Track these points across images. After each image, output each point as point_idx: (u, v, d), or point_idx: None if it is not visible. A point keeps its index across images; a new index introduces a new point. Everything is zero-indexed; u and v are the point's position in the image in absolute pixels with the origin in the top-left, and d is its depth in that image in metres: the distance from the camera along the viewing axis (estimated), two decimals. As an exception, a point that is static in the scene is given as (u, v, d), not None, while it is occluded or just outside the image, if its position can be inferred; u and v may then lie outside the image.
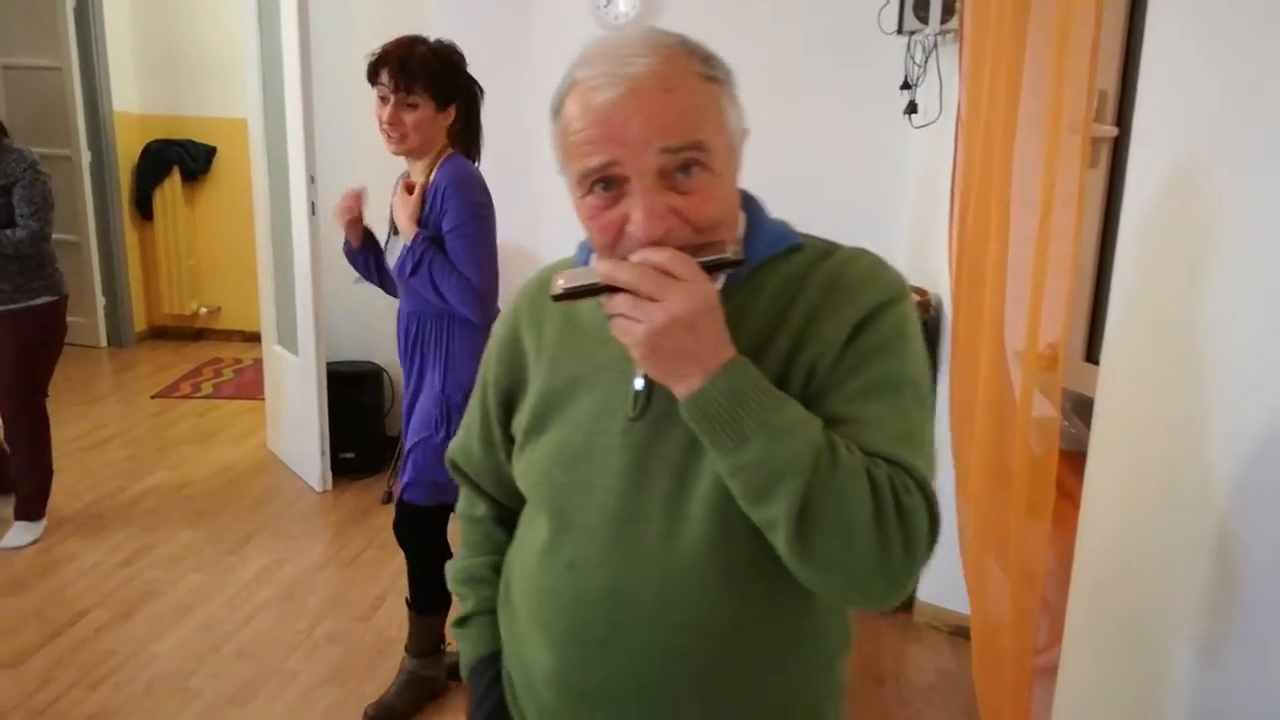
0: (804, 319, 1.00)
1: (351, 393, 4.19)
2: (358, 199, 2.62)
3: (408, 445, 2.55)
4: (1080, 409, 2.06)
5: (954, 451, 2.47)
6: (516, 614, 1.17)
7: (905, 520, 0.91)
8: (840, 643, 1.16)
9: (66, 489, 3.96)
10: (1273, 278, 1.07)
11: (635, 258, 0.93)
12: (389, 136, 2.44)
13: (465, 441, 1.28)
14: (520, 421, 1.15)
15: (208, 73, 6.00)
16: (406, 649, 2.70)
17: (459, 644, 1.28)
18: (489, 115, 4.11)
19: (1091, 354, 2.15)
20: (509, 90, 4.02)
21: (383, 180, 4.11)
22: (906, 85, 3.26)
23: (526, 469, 1.14)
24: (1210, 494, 1.18)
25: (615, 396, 1.07)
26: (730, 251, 0.96)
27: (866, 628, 3.14)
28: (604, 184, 0.95)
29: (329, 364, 4.01)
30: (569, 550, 1.09)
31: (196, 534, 3.66)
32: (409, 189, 2.52)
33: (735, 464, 0.92)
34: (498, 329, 1.22)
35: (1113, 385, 1.46)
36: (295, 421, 4.18)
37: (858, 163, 3.85)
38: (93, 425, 4.77)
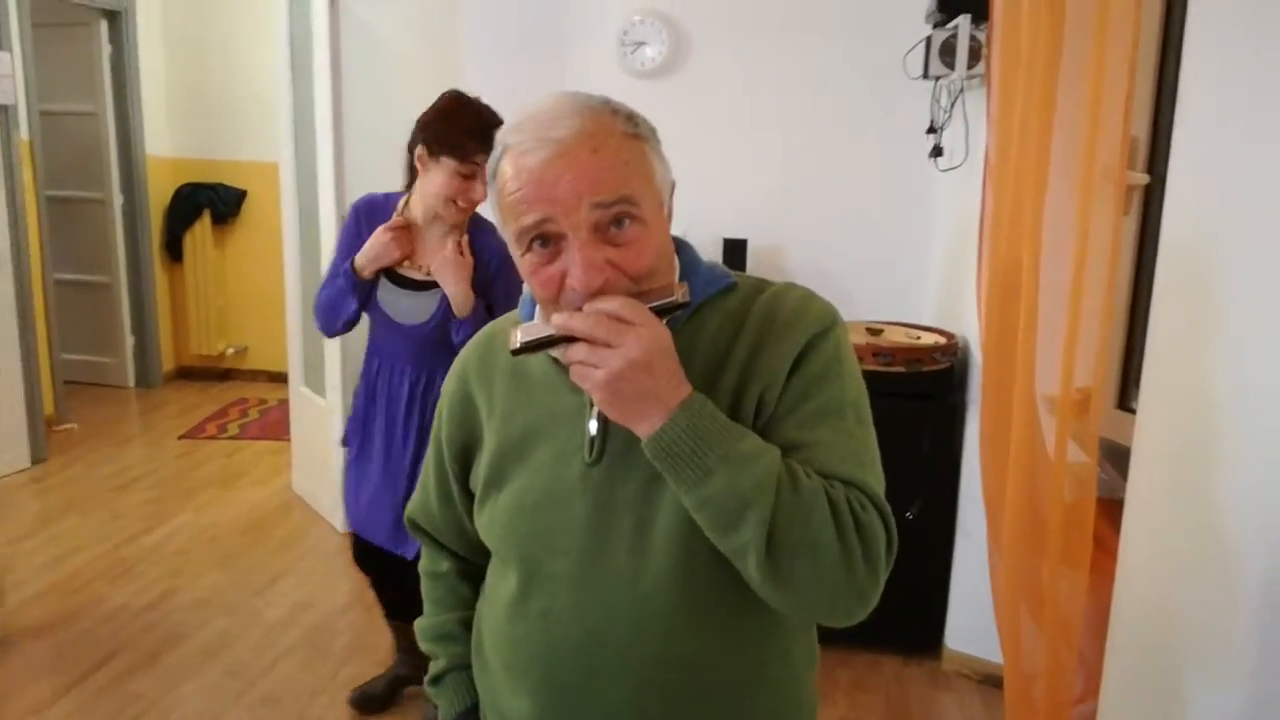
0: (748, 353, 1.06)
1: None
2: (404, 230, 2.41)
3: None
4: (1112, 456, 2.04)
5: (985, 498, 2.45)
6: (490, 665, 1.20)
7: (865, 535, 0.97)
8: (807, 662, 1.20)
9: (94, 531, 3.98)
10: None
11: (588, 307, 0.97)
12: (461, 209, 2.34)
13: (424, 499, 1.32)
14: (478, 476, 1.19)
15: (239, 117, 6.10)
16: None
17: (437, 701, 1.31)
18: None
19: (1124, 401, 2.13)
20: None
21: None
22: (932, 129, 3.27)
23: (489, 522, 1.17)
24: (1250, 544, 1.16)
25: (570, 443, 1.10)
26: (678, 294, 1.01)
27: (894, 673, 3.09)
28: (541, 241, 1.00)
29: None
30: (540, 599, 1.11)
31: (222, 576, 3.66)
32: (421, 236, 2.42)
33: (701, 496, 0.96)
34: (448, 386, 1.25)
35: (1151, 431, 1.45)
36: (320, 463, 4.19)
37: (885, 206, 3.87)
38: (120, 467, 4.80)
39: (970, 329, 2.95)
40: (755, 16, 3.87)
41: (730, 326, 1.08)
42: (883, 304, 3.88)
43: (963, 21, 2.86)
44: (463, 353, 1.26)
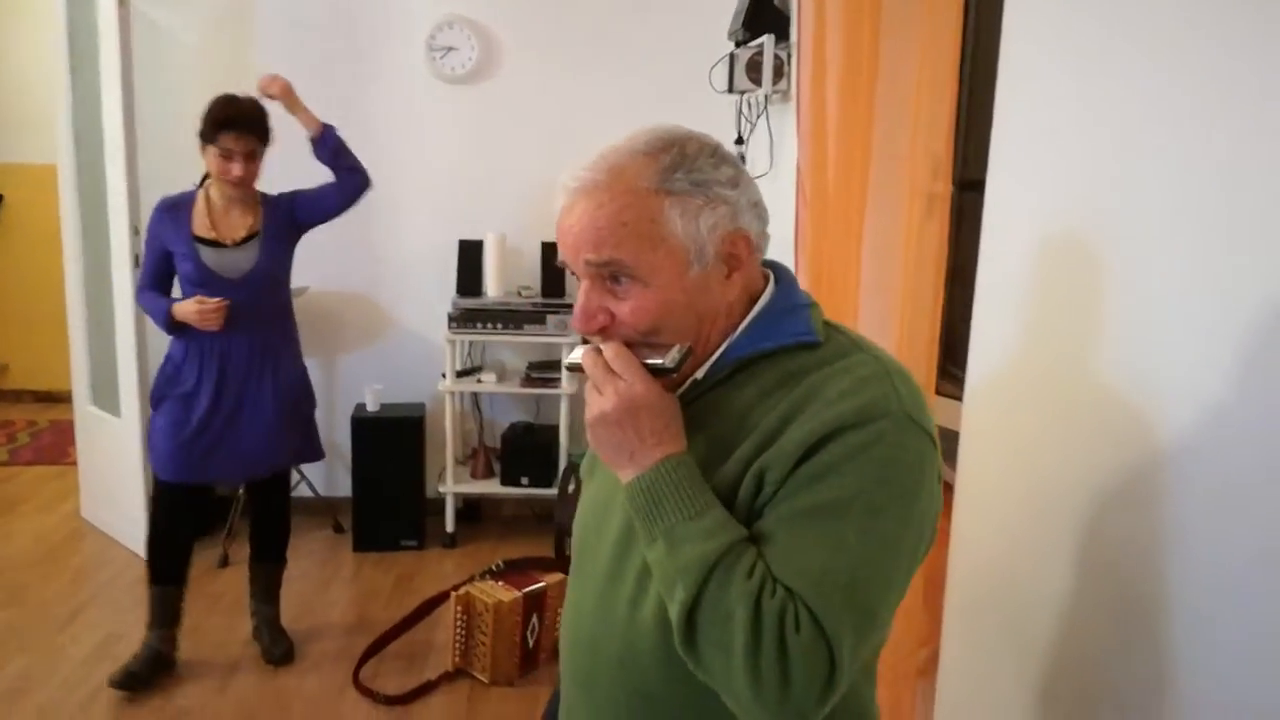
0: (776, 424, 1.00)
1: (178, 452, 3.99)
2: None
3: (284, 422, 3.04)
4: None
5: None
6: None
7: (785, 659, 0.89)
8: None
9: None
10: (1134, 329, 1.28)
11: (600, 344, 1.04)
12: (232, 184, 2.90)
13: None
14: (584, 463, 1.29)
15: (-8, 116, 5.58)
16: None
17: None
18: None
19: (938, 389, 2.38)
20: (350, 139, 3.98)
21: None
22: (740, 140, 3.48)
23: (578, 509, 1.25)
24: (1076, 506, 1.38)
25: None
26: (667, 359, 1.02)
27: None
28: (574, 275, 1.06)
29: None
30: (577, 590, 1.18)
31: (14, 614, 3.38)
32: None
33: (649, 558, 1.00)
34: None
35: (977, 413, 1.67)
36: (116, 487, 3.93)
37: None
38: None
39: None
40: (563, 27, 3.98)
41: (786, 387, 1.03)
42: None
43: (767, 40, 3.08)
44: None
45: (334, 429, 4.26)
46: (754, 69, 3.16)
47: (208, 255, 2.90)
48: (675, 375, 1.03)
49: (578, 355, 1.05)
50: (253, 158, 2.89)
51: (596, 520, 1.17)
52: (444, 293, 4.05)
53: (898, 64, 2.04)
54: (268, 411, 3.00)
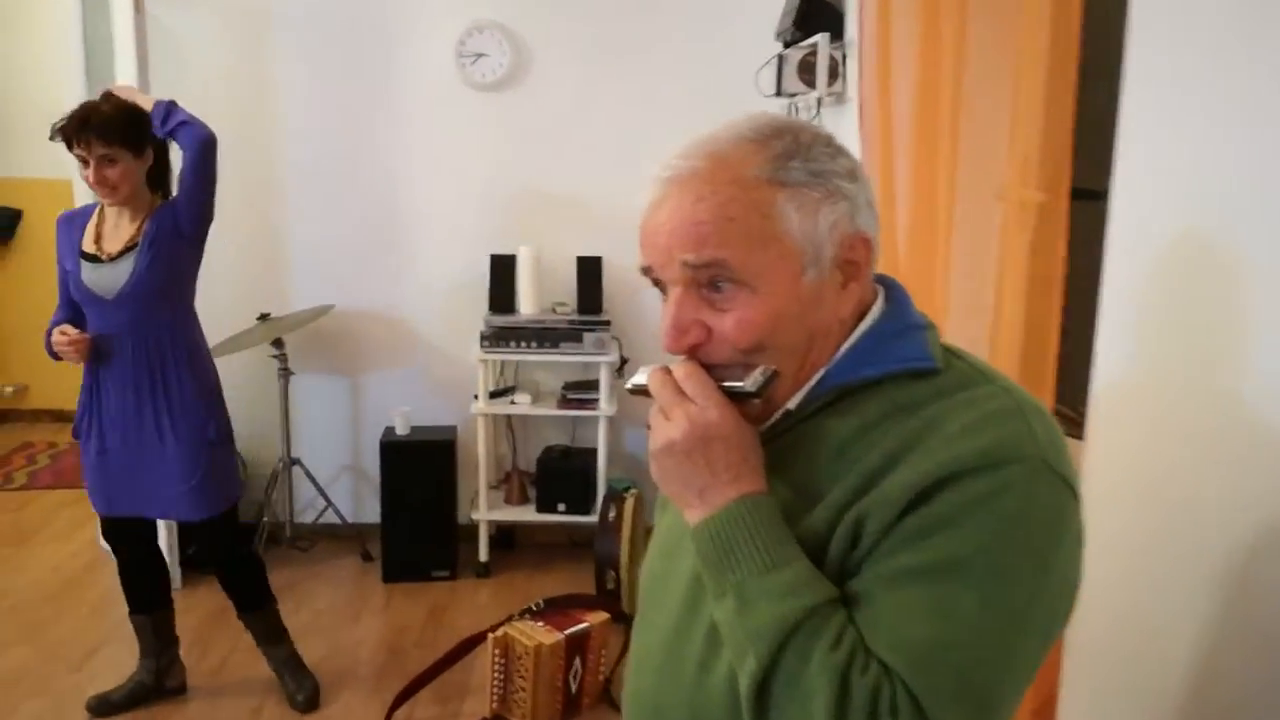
0: (884, 461, 0.84)
1: (200, 478, 3.83)
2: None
3: (181, 461, 2.70)
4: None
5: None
6: None
7: None
8: None
9: None
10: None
11: (663, 367, 0.90)
12: (102, 192, 2.63)
13: None
14: (660, 496, 1.11)
15: (14, 131, 5.46)
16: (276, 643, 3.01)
17: None
18: (360, 176, 3.92)
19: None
20: (376, 150, 3.84)
21: (232, 243, 3.84)
22: (791, 146, 3.29)
23: (649, 547, 1.12)
24: (1216, 545, 1.18)
25: None
26: (749, 382, 0.87)
27: None
28: (657, 285, 0.92)
29: (175, 448, 3.65)
30: (644, 638, 1.05)
31: (28, 651, 3.22)
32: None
33: (716, 616, 0.86)
34: None
35: (1101, 448, 1.46)
36: (136, 514, 3.77)
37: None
38: (-117, 531, 4.17)
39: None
40: (598, 31, 3.79)
41: (894, 420, 0.86)
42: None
43: (822, 40, 2.88)
44: None
45: (361, 453, 4.09)
46: (806, 70, 2.96)
47: (86, 272, 2.65)
48: (757, 402, 0.89)
49: (642, 376, 0.93)
50: (110, 163, 2.56)
51: (664, 565, 1.03)
52: (475, 310, 3.86)
53: (984, 60, 1.83)
54: (164, 446, 2.69)
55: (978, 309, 1.74)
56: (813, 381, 0.92)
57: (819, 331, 0.91)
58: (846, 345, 0.92)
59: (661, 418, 0.88)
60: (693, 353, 0.89)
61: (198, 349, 2.84)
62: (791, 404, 0.93)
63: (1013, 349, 1.64)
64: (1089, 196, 1.62)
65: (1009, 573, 0.78)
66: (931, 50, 2.03)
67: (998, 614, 0.78)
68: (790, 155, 0.88)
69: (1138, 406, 1.39)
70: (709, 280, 0.87)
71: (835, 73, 2.92)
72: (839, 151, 0.91)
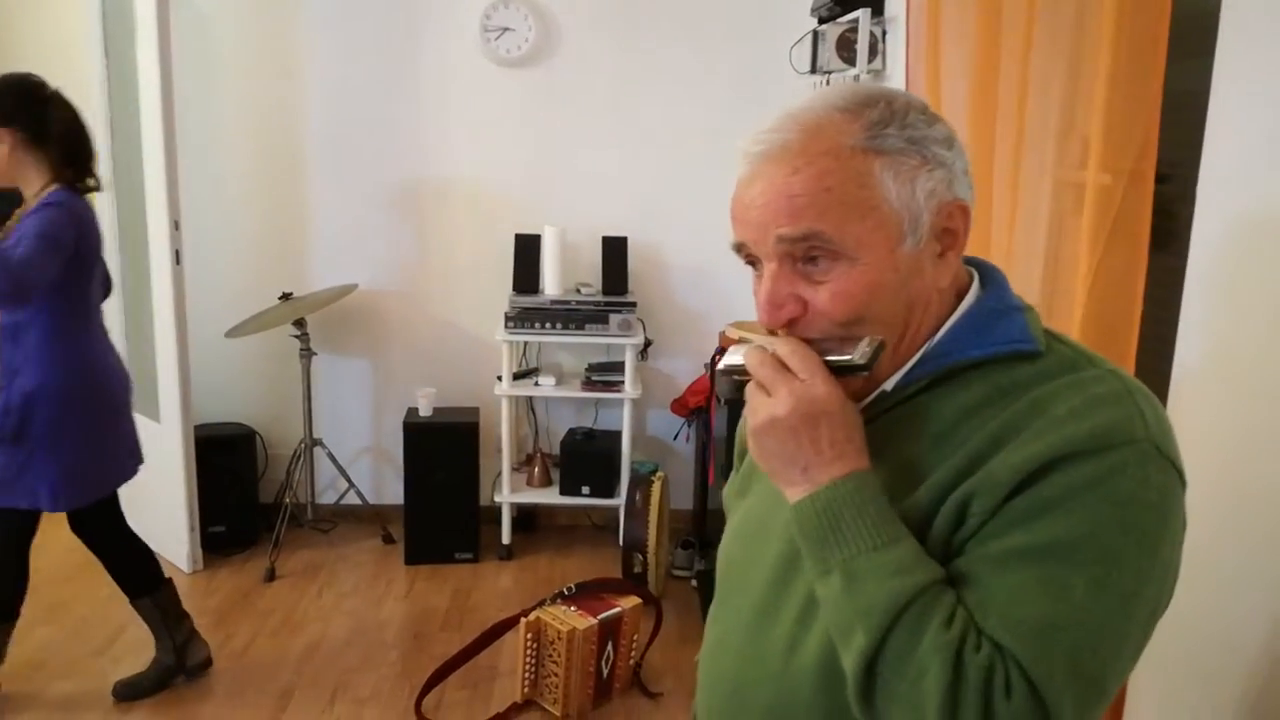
0: (990, 443, 0.83)
1: (220, 459, 3.79)
2: None
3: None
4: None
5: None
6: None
7: None
8: None
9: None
10: None
11: (764, 343, 0.88)
12: None
13: (729, 485, 1.23)
14: (738, 480, 1.13)
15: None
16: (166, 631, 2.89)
17: None
18: (383, 154, 3.86)
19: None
20: (400, 128, 3.78)
21: (254, 221, 3.79)
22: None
23: (725, 532, 1.11)
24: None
25: None
26: (857, 354, 0.85)
27: None
28: (750, 262, 0.92)
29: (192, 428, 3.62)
30: (722, 624, 1.04)
31: (53, 632, 3.19)
32: None
33: (819, 594, 0.85)
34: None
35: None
36: (155, 495, 3.73)
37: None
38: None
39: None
40: (626, 5, 3.72)
41: (997, 404, 0.86)
42: (765, 300, 3.85)
43: (863, 15, 2.82)
44: None
45: (383, 434, 4.05)
46: (845, 47, 2.90)
47: None
48: (864, 375, 0.87)
49: (735, 356, 0.91)
50: None
51: (748, 546, 1.03)
52: (499, 291, 3.81)
53: (1054, 38, 1.78)
54: None
55: (1057, 292, 1.69)
56: (913, 361, 0.91)
57: (917, 302, 0.89)
58: (947, 325, 0.91)
59: (762, 395, 0.87)
60: (790, 328, 0.88)
61: (46, 346, 2.53)
62: (889, 384, 0.92)
63: (1088, 334, 1.59)
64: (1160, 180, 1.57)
65: (1119, 556, 0.78)
66: (991, 27, 1.97)
67: (1108, 596, 0.77)
68: (885, 122, 0.86)
69: (1215, 399, 1.34)
70: (805, 253, 0.85)
71: (875, 49, 2.86)
72: (935, 118, 0.88)
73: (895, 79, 2.72)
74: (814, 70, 3.12)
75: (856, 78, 2.97)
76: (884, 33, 2.86)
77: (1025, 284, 1.84)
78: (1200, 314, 1.39)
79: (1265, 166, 1.26)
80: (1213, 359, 1.35)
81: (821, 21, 3.10)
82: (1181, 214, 1.43)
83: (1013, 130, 1.87)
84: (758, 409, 0.87)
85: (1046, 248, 1.76)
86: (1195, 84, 1.38)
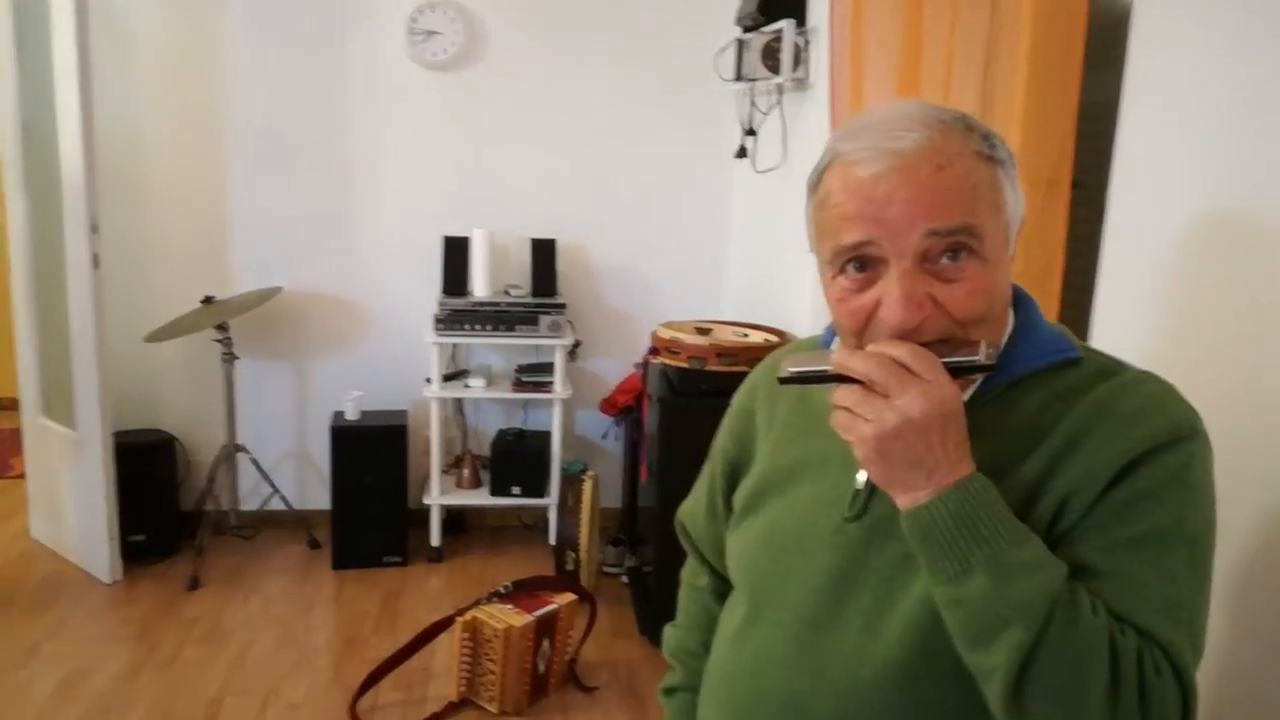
0: (1064, 444, 0.89)
1: (139, 467, 3.70)
2: None
3: None
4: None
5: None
6: (705, 693, 1.14)
7: (1147, 706, 0.80)
8: None
9: None
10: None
11: (873, 348, 0.86)
12: None
13: (694, 506, 1.26)
14: (740, 497, 1.11)
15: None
16: None
17: (665, 710, 1.29)
18: (309, 157, 3.83)
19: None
20: (326, 130, 3.75)
21: (176, 224, 3.72)
22: (751, 132, 3.32)
23: (736, 548, 1.10)
24: (1237, 535, 1.23)
25: (835, 490, 1.00)
26: (983, 355, 0.86)
27: None
28: (858, 264, 0.89)
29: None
30: (756, 643, 1.03)
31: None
32: None
33: (954, 596, 0.84)
34: (736, 398, 1.19)
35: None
36: (72, 504, 3.63)
37: (692, 206, 3.93)
38: None
39: (801, 325, 3.02)
40: (553, 10, 3.77)
41: (1055, 409, 0.91)
42: (690, 303, 3.93)
43: (787, 25, 2.91)
44: (758, 367, 1.19)
45: (307, 438, 4.01)
46: (770, 55, 2.99)
47: None
48: (979, 377, 0.92)
49: (815, 361, 0.90)
50: None
51: (781, 560, 1.02)
52: (428, 293, 3.82)
53: (972, 47, 1.88)
54: None
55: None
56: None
57: (1006, 309, 0.94)
58: (1008, 334, 0.96)
59: (878, 402, 0.84)
60: (904, 334, 0.86)
61: None
62: (967, 392, 0.94)
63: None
64: (1074, 186, 1.67)
65: (1197, 537, 0.87)
66: (912, 38, 2.07)
67: (1199, 571, 0.87)
68: (991, 137, 0.90)
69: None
70: (950, 248, 0.86)
71: (799, 59, 2.96)
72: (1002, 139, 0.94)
73: (819, 88, 2.81)
74: (739, 78, 3.21)
75: (780, 86, 3.06)
76: (807, 42, 2.96)
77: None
78: (1114, 317, 1.49)
79: (1171, 174, 1.36)
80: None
81: (746, 30, 3.19)
82: (1095, 221, 1.53)
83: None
84: (881, 413, 0.83)
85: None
86: (1109, 95, 1.48)
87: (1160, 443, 0.86)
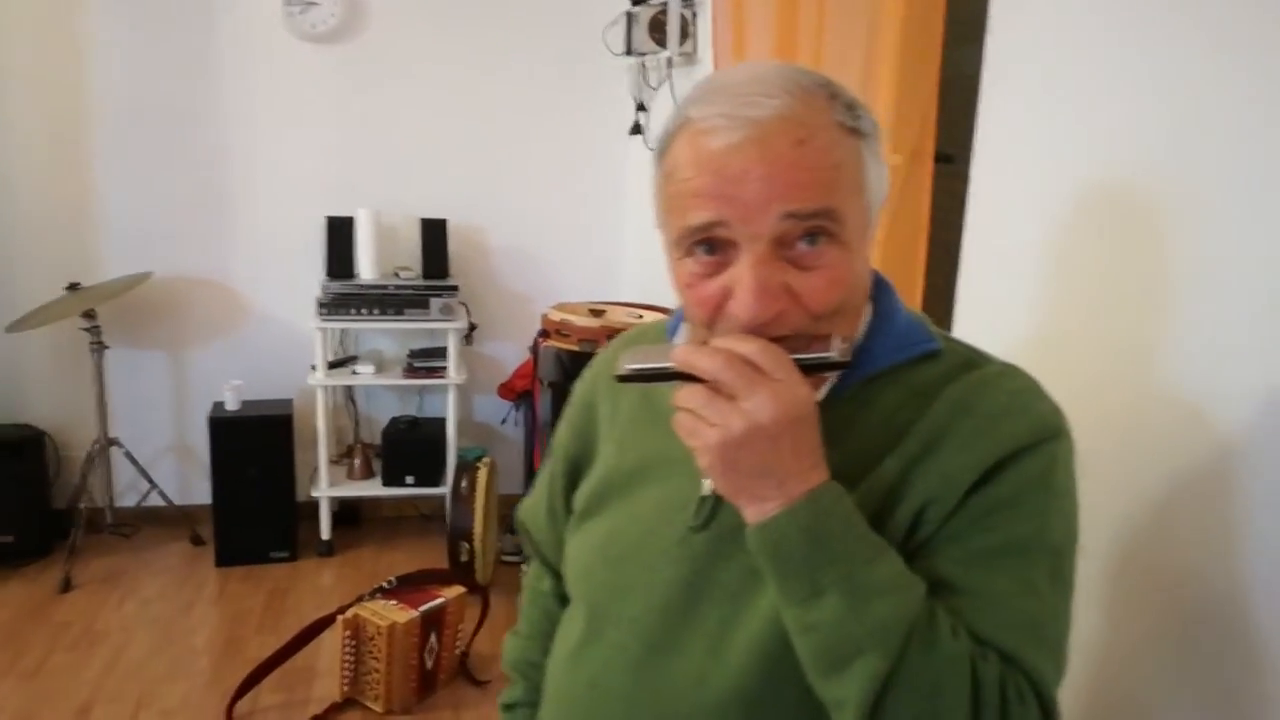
0: (921, 447, 0.81)
1: (5, 464, 3.50)
2: None
3: None
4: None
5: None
6: (543, 712, 1.06)
7: None
8: None
9: None
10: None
11: (719, 343, 0.77)
12: None
13: (534, 505, 1.14)
14: (580, 499, 1.00)
15: None
16: None
17: None
18: (180, 135, 3.63)
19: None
20: (197, 106, 3.55)
21: (37, 207, 3.50)
22: (642, 107, 3.24)
23: (573, 555, 1.01)
24: (1106, 526, 1.21)
25: (680, 496, 0.91)
26: (836, 351, 0.78)
27: None
28: (707, 247, 0.79)
29: (-31, 432, 3.33)
30: (594, 665, 0.94)
31: None
32: None
33: (805, 620, 0.76)
34: (577, 389, 1.07)
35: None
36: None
37: (584, 183, 3.83)
38: None
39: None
40: (439, -21, 3.62)
41: (911, 406, 0.84)
42: (588, 284, 3.84)
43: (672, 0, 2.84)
44: (601, 354, 1.07)
45: (187, 430, 3.83)
46: (657, 29, 2.92)
47: None
48: (833, 375, 0.84)
49: (655, 358, 0.80)
50: None
51: (620, 572, 0.93)
52: (311, 276, 3.66)
53: (844, 22, 1.83)
54: None
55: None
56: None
57: (865, 299, 0.87)
58: (864, 328, 0.88)
59: (724, 405, 0.75)
60: (756, 328, 0.77)
61: None
62: (820, 392, 0.86)
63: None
64: (943, 160, 1.64)
65: (1060, 546, 0.81)
66: (789, 11, 2.02)
67: (1062, 582, 0.81)
68: (855, 106, 0.80)
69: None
70: (807, 232, 0.77)
71: (686, 32, 2.89)
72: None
73: (705, 62, 2.75)
74: (629, 52, 3.13)
75: (669, 60, 2.99)
76: (694, 15, 2.89)
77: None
78: (975, 291, 1.45)
79: (1033, 148, 1.33)
80: (989, 336, 1.42)
81: (635, 3, 3.10)
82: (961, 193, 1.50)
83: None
84: (728, 417, 0.74)
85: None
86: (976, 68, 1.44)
87: (1022, 445, 0.80)
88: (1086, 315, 1.23)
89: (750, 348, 0.75)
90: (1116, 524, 1.17)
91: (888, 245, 1.56)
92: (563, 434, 1.10)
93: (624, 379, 0.83)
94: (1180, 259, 1.07)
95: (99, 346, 3.51)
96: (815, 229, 0.77)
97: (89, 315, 3.45)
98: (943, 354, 0.88)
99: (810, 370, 0.78)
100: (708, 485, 0.89)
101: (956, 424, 0.81)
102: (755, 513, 0.77)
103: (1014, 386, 0.85)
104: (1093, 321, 1.21)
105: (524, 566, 1.31)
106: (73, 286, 3.45)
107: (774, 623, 0.81)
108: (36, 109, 3.51)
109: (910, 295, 1.51)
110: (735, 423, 0.74)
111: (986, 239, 1.42)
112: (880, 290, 0.91)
